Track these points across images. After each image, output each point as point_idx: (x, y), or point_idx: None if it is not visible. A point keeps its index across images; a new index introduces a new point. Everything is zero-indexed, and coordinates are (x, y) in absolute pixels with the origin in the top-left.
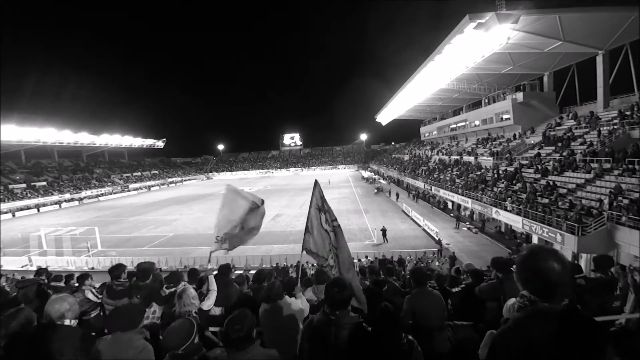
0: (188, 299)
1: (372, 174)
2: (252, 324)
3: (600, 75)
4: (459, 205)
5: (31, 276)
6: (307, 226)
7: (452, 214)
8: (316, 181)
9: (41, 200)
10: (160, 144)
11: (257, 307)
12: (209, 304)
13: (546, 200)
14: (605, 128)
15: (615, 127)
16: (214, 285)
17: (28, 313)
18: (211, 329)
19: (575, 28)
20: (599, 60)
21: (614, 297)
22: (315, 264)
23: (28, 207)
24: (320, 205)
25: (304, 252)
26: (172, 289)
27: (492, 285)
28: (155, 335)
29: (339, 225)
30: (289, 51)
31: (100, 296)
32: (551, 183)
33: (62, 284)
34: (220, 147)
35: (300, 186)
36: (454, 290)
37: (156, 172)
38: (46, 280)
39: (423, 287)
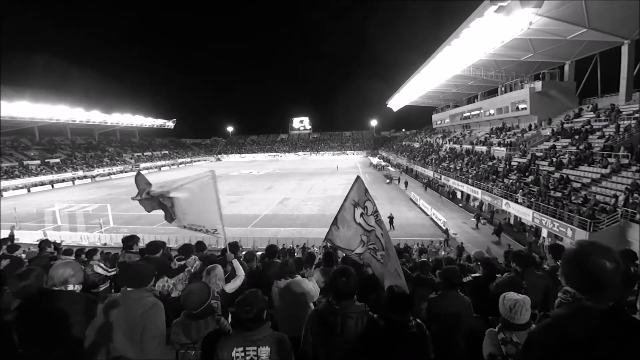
0: (215, 277)
1: (381, 160)
2: (262, 305)
3: (625, 66)
4: (468, 196)
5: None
6: (335, 218)
7: (460, 204)
8: (358, 177)
9: (55, 176)
10: (170, 124)
11: (267, 281)
12: (232, 287)
13: (559, 194)
14: (625, 122)
15: (636, 121)
16: (241, 271)
17: (39, 272)
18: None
19: (601, 15)
20: (624, 50)
21: (631, 291)
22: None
23: (42, 183)
24: (356, 201)
25: (326, 242)
26: (182, 262)
27: (511, 279)
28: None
29: (379, 219)
30: (300, 35)
31: (112, 270)
32: (565, 177)
33: (72, 257)
34: (230, 129)
35: (308, 170)
36: (464, 279)
37: (166, 152)
38: (56, 253)
39: (454, 291)
